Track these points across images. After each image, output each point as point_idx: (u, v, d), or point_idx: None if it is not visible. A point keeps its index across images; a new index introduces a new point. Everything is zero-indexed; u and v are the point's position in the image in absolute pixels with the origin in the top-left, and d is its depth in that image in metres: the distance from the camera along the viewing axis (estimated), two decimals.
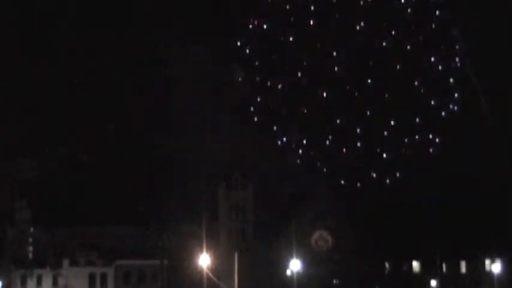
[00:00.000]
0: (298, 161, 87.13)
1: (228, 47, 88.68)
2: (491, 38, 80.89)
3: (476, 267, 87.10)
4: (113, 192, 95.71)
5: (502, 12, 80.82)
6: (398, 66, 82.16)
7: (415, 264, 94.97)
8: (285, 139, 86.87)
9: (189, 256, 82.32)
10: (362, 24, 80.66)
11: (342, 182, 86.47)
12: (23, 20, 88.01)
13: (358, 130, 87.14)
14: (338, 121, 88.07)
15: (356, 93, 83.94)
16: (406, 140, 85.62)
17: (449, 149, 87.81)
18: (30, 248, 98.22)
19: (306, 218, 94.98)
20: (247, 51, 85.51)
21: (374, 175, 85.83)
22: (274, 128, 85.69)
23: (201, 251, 72.48)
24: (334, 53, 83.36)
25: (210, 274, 75.96)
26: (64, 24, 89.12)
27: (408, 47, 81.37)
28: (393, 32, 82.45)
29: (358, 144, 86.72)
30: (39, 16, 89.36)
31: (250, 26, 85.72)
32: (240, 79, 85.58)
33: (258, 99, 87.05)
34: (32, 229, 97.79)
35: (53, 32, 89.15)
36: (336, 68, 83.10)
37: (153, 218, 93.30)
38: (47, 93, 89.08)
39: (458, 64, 79.76)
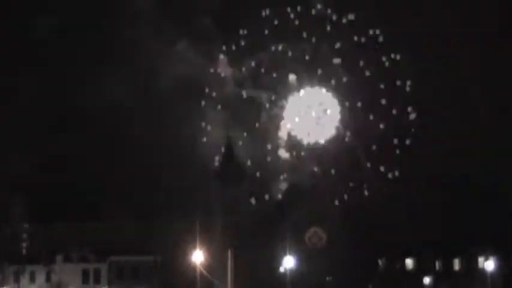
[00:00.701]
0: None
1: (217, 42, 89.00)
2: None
3: (470, 265, 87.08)
4: (107, 189, 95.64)
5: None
6: None
7: (409, 262, 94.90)
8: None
9: (183, 252, 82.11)
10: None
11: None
12: (15, 17, 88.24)
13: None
14: None
15: None
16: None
17: (443, 147, 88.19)
18: (24, 244, 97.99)
19: (300, 215, 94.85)
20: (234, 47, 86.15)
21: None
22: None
23: (195, 247, 72.34)
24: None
25: (204, 271, 75.87)
26: (52, 18, 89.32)
27: None
28: None
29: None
30: (27, 11, 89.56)
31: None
32: (223, 74, 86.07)
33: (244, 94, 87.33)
34: (25, 225, 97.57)
35: (41, 26, 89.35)
36: None
37: (147, 214, 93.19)
38: (38, 89, 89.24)
39: None
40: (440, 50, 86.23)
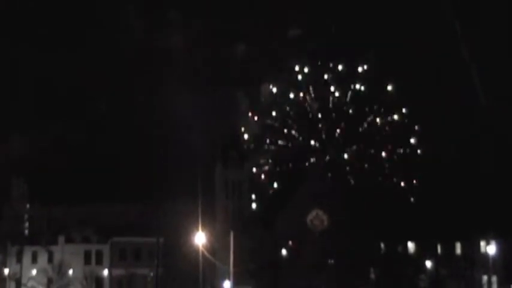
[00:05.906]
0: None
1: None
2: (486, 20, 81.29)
3: (472, 249, 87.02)
4: (110, 170, 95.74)
5: None
6: None
7: (410, 246, 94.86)
8: None
9: (185, 234, 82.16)
10: None
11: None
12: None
13: None
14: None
15: None
16: None
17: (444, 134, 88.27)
18: (26, 225, 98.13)
19: (302, 197, 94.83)
20: None
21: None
22: None
23: (197, 229, 72.29)
24: None
25: (206, 252, 75.86)
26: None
27: None
28: None
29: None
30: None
31: None
32: None
33: None
34: (28, 206, 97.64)
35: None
36: None
37: (149, 196, 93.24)
38: (38, 72, 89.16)
39: None
40: None
